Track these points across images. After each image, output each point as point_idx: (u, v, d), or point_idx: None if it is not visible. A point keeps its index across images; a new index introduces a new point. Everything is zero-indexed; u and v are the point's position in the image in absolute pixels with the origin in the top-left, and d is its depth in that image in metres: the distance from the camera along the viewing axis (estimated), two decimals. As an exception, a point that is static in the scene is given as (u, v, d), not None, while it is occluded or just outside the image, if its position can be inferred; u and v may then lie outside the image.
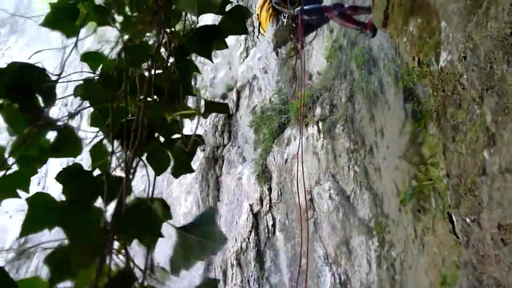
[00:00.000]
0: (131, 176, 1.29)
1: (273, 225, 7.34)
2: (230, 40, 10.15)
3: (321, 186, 6.46)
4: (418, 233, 4.53)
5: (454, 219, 2.28)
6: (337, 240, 6.18)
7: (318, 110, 6.91)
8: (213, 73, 10.15)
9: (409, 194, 3.67)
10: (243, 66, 9.42)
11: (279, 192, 7.30)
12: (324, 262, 6.43)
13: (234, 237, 7.85)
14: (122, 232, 1.24)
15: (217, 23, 1.61)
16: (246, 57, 9.47)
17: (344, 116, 6.36)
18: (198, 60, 10.72)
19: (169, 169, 1.57)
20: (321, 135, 6.70)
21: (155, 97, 1.52)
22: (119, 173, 1.37)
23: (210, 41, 1.60)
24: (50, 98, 1.36)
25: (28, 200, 1.24)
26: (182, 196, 9.35)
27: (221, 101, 9.64)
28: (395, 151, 5.20)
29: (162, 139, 1.59)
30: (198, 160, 9.16)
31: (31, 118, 1.32)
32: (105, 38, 13.77)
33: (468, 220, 1.84)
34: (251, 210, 7.64)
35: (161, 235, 1.32)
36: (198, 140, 1.57)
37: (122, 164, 1.34)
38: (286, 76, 8.09)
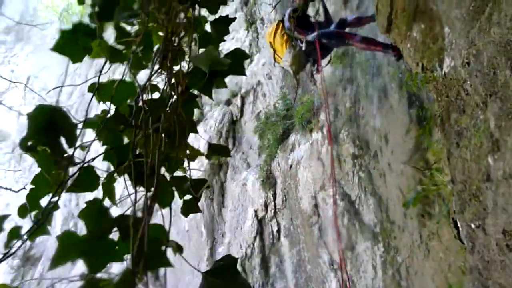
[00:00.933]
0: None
1: (278, 231, 7.33)
2: (235, 46, 10.20)
3: (325, 192, 6.45)
4: (424, 238, 4.51)
5: (459, 225, 2.28)
6: (342, 246, 6.17)
7: (322, 116, 6.92)
8: (217, 79, 10.18)
9: (412, 198, 3.67)
10: (247, 72, 9.45)
11: (284, 198, 7.29)
12: (329, 268, 6.41)
13: (239, 243, 7.85)
14: (146, 270, 1.34)
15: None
16: (250, 63, 9.50)
17: (348, 121, 6.36)
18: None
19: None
20: (326, 141, 6.70)
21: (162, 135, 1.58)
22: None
23: (211, 80, 1.68)
24: (72, 140, 1.47)
25: (58, 237, 1.37)
26: (186, 202, 9.35)
27: (226, 107, 9.66)
28: (400, 156, 5.19)
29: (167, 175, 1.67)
30: (202, 166, 9.18)
31: (58, 159, 1.44)
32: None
33: (473, 225, 1.84)
34: (256, 216, 7.64)
35: (170, 265, 1.45)
36: (204, 184, 1.67)
37: (138, 204, 1.40)
38: (290, 82, 8.11)
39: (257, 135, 8.43)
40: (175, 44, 1.62)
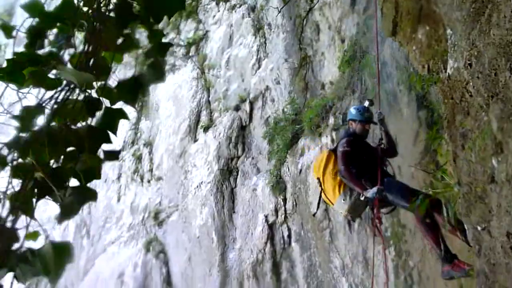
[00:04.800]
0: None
1: (289, 236, 7.31)
2: (242, 52, 10.23)
3: (336, 196, 6.41)
4: (435, 242, 4.46)
5: (466, 227, 2.25)
6: (353, 250, 6.12)
7: (331, 120, 6.90)
8: (225, 85, 10.22)
9: (418, 202, 3.64)
10: (255, 77, 9.46)
11: (294, 203, 7.27)
12: (341, 273, 6.37)
13: (250, 248, 7.83)
14: None
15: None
16: (258, 68, 9.52)
17: (357, 125, 6.33)
18: (211, 73, 10.82)
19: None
20: (335, 145, 6.67)
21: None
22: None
23: (136, 90, 1.72)
24: None
25: None
26: (197, 208, 9.38)
27: (235, 112, 9.66)
28: (410, 159, 5.16)
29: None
30: (212, 172, 9.20)
31: None
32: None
33: (479, 228, 1.82)
34: (266, 221, 7.63)
35: None
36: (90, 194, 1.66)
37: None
38: (298, 87, 8.11)
39: (266, 140, 8.43)
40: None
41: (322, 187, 4.59)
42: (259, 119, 9.05)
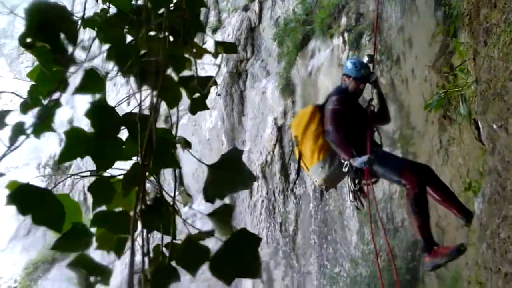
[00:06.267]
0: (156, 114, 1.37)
1: (297, 138, 7.39)
2: None
3: (345, 99, 6.37)
4: (444, 143, 4.50)
5: (481, 126, 2.23)
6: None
7: (343, 20, 6.63)
8: (234, -16, 9.74)
9: (435, 101, 3.54)
10: (265, -26, 8.97)
11: (303, 105, 7.25)
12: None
13: (259, 150, 7.98)
14: (154, 166, 1.36)
15: None
16: (268, -36, 8.99)
17: (371, 25, 6.10)
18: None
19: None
20: (347, 46, 6.49)
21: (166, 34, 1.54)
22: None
23: None
24: (73, 37, 1.41)
25: (65, 132, 1.41)
26: (207, 112, 9.41)
27: (243, 13, 9.32)
28: (424, 61, 5.02)
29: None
30: (221, 75, 9.10)
31: (59, 57, 1.40)
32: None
33: (495, 126, 1.79)
34: (276, 123, 7.68)
35: (179, 166, 1.53)
36: (212, 82, 1.65)
37: (144, 103, 1.41)
38: (310, -16, 7.69)
39: (276, 42, 8.20)
40: None
41: (299, 148, 4.07)
42: (269, 20, 8.73)
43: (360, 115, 4.04)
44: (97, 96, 1.55)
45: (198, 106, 1.68)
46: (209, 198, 1.42)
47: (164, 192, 1.38)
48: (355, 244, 5.89)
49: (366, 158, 3.57)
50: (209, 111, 9.34)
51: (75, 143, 1.41)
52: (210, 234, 1.41)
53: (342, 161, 3.81)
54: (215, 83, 1.68)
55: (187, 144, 1.57)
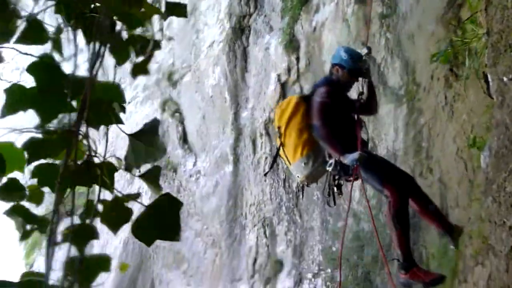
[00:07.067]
0: (94, 72, 1.37)
1: (301, 95, 7.34)
2: None
3: (350, 55, 6.27)
4: (449, 100, 4.46)
5: (490, 79, 2.20)
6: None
7: (350, -27, 6.44)
8: None
9: (442, 51, 3.46)
10: None
11: (307, 62, 7.16)
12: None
13: (262, 107, 7.95)
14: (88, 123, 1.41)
15: None
16: None
17: (378, -22, 5.92)
18: None
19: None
20: (352, 0, 6.32)
21: None
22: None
23: None
24: None
25: (6, 89, 1.44)
26: (210, 68, 9.33)
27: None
28: (432, 15, 4.90)
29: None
30: (224, 30, 8.94)
31: (2, 11, 1.42)
32: None
33: (505, 79, 1.77)
34: (279, 80, 7.60)
35: (112, 122, 1.57)
36: (156, 44, 1.67)
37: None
38: None
39: (279, -4, 8.00)
40: None
41: (282, 140, 3.82)
42: (272, -28, 8.47)
43: (348, 109, 3.88)
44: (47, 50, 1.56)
45: (139, 69, 1.69)
46: (127, 167, 1.52)
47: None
48: (358, 200, 5.95)
49: (357, 155, 3.40)
50: (211, 68, 9.24)
51: (18, 98, 1.42)
52: (135, 196, 1.50)
53: (327, 159, 3.68)
54: (158, 47, 1.68)
55: (121, 108, 1.62)
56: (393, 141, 5.73)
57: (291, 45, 7.35)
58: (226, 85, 8.89)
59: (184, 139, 10.15)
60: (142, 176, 1.55)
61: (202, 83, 9.56)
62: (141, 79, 11.87)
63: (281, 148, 3.84)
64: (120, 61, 1.63)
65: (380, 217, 5.02)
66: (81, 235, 1.35)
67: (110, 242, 12.03)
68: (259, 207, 7.98)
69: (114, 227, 1.44)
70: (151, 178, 1.54)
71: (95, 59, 1.40)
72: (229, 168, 8.66)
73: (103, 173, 1.42)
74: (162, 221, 1.38)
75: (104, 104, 1.50)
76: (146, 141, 1.52)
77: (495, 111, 1.95)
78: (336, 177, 3.76)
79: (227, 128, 8.81)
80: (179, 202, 1.44)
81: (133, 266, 11.09)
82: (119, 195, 1.44)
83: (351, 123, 3.80)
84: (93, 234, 1.40)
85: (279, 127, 3.85)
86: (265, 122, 7.84)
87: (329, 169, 3.64)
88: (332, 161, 3.62)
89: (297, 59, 7.30)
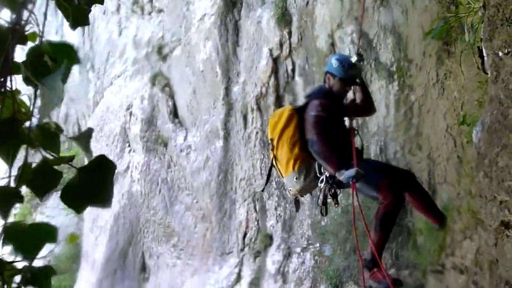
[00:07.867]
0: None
1: (293, 70, 7.29)
2: None
3: (343, 30, 6.23)
4: (440, 77, 4.46)
5: (485, 54, 2.19)
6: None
7: None
8: None
9: (439, 26, 3.45)
10: None
11: (299, 37, 7.09)
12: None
13: (253, 82, 7.90)
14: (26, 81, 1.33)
15: None
16: None
17: (372, -49, 5.82)
18: None
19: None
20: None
21: None
22: None
23: None
24: None
25: None
26: (201, 42, 9.20)
27: None
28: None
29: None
30: (216, 3, 8.79)
31: None
32: None
33: (500, 53, 1.76)
34: (271, 54, 7.53)
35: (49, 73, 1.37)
36: None
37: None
38: None
39: (272, -33, 7.86)
40: None
41: (275, 152, 3.77)
42: None
43: (343, 117, 3.81)
44: None
45: (79, 20, 1.56)
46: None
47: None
48: (348, 176, 5.99)
49: (354, 172, 3.29)
50: (203, 42, 9.12)
51: None
52: (68, 159, 1.36)
53: (318, 175, 3.62)
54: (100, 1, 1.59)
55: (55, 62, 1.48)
56: (384, 117, 5.75)
57: (284, 19, 7.26)
58: (217, 59, 8.79)
59: (174, 113, 10.09)
60: (73, 138, 1.48)
61: (193, 57, 9.45)
62: (131, 53, 11.71)
63: (274, 160, 3.82)
64: (66, 15, 1.52)
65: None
66: (4, 198, 1.26)
67: (101, 216, 12.08)
68: (249, 182, 8.02)
69: (40, 193, 1.34)
70: (83, 140, 1.44)
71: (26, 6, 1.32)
72: (220, 143, 8.65)
73: (31, 131, 1.31)
74: (93, 186, 1.29)
75: (48, 63, 1.37)
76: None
77: (489, 86, 1.95)
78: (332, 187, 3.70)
79: (218, 102, 8.75)
80: (113, 164, 1.34)
81: (124, 240, 11.16)
82: (50, 157, 1.33)
83: (345, 133, 3.74)
84: (17, 197, 1.29)
85: (271, 140, 3.80)
86: (256, 97, 7.81)
87: (321, 185, 3.64)
88: (323, 177, 3.59)
89: (290, 33, 7.22)
